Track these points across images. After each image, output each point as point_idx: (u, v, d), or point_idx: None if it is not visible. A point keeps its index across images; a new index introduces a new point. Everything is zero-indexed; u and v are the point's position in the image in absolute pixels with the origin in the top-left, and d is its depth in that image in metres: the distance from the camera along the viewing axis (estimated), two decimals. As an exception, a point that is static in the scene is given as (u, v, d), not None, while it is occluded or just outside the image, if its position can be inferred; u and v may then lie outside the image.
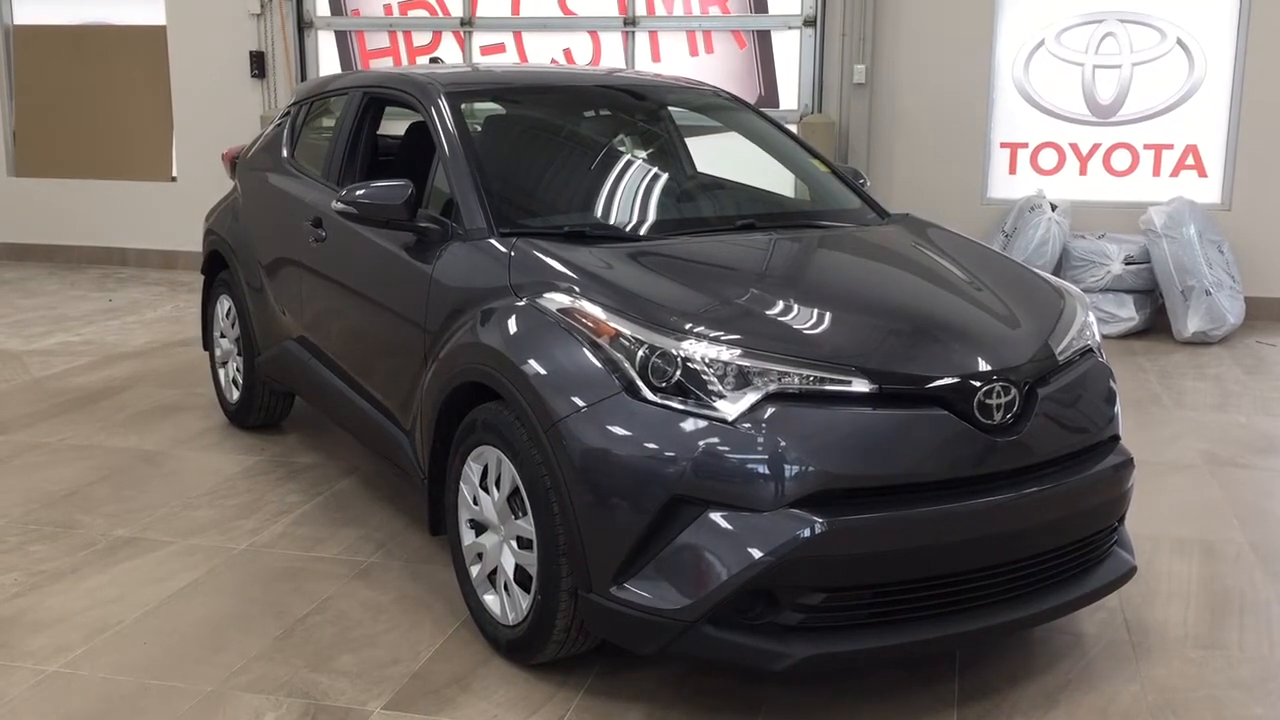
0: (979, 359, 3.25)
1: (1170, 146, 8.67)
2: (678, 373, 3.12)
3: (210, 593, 4.03)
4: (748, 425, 3.04)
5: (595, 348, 3.24)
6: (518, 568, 3.44)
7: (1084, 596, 3.41)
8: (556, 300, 3.44)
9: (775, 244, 4.02)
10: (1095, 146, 8.79)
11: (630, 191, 4.43)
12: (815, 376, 3.11)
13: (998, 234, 8.52)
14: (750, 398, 3.07)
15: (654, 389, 3.12)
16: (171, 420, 5.98)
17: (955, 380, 3.17)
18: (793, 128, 8.66)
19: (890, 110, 8.99)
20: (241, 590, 4.05)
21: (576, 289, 3.44)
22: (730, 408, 3.06)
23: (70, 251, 10.88)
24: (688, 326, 3.21)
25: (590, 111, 5.01)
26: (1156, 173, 8.71)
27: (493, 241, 3.85)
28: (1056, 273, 8.21)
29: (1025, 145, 8.93)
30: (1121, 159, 8.75)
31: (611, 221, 4.21)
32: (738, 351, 3.13)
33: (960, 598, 3.17)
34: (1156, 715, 3.29)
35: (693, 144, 5.26)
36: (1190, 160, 8.64)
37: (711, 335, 3.18)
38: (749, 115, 5.06)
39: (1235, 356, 7.57)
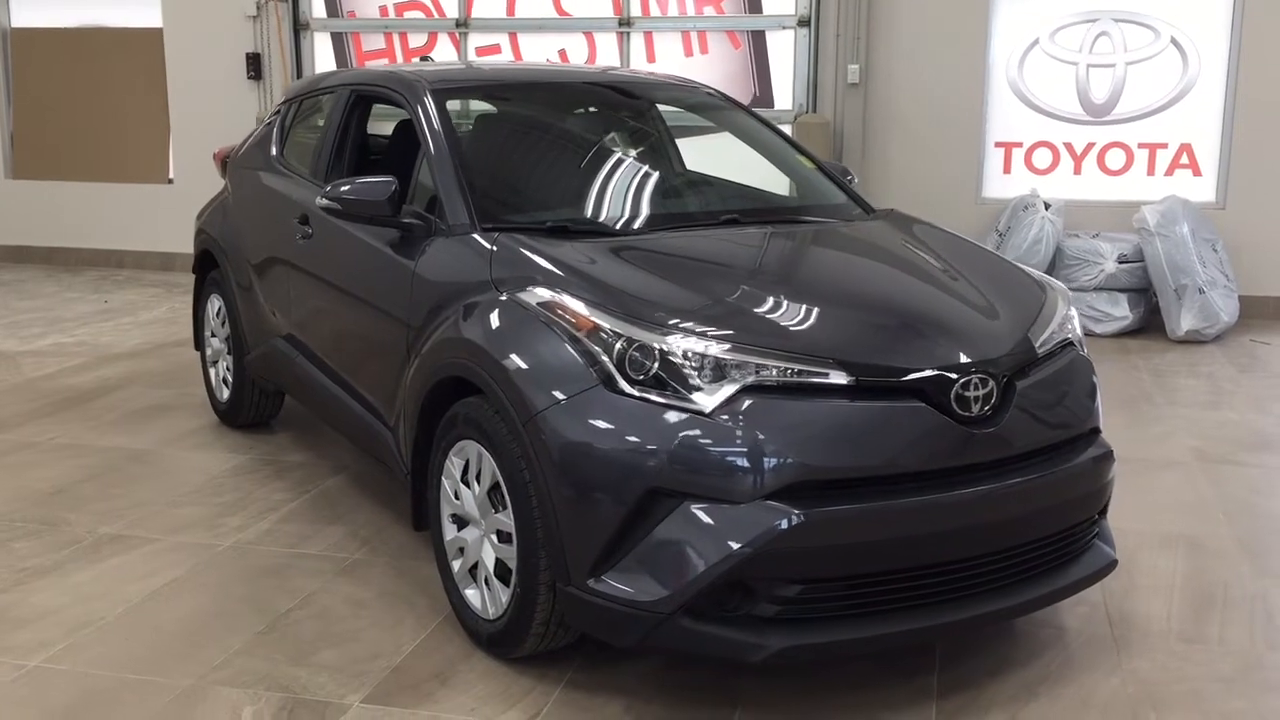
0: (957, 351, 3.24)
1: (1164, 145, 8.67)
2: (655, 365, 3.12)
3: (194, 589, 4.02)
4: (725, 417, 3.04)
5: (574, 341, 3.24)
6: (498, 562, 3.44)
7: (1064, 589, 3.40)
8: (537, 294, 3.44)
9: (757, 239, 4.02)
10: (1089, 146, 8.79)
11: (614, 187, 4.43)
12: (792, 369, 3.11)
13: (992, 233, 8.51)
14: (727, 390, 3.07)
15: (631, 381, 3.12)
16: (162, 420, 5.98)
17: (933, 372, 3.16)
18: (787, 128, 8.73)
19: (885, 110, 8.99)
20: (225, 586, 4.05)
21: (557, 283, 3.44)
22: (707, 400, 3.06)
23: (68, 254, 10.90)
24: (666, 320, 3.21)
25: (576, 108, 5.01)
26: (1151, 172, 8.71)
27: (475, 236, 3.85)
28: (1050, 271, 8.20)
29: (1020, 145, 8.93)
30: (1116, 158, 8.75)
31: (594, 217, 4.21)
32: (715, 344, 3.13)
33: (939, 590, 3.16)
34: (1136, 708, 3.29)
35: (680, 141, 5.26)
36: (1185, 159, 8.64)
37: (689, 328, 3.18)
38: (736, 112, 5.06)
39: (1229, 355, 7.56)
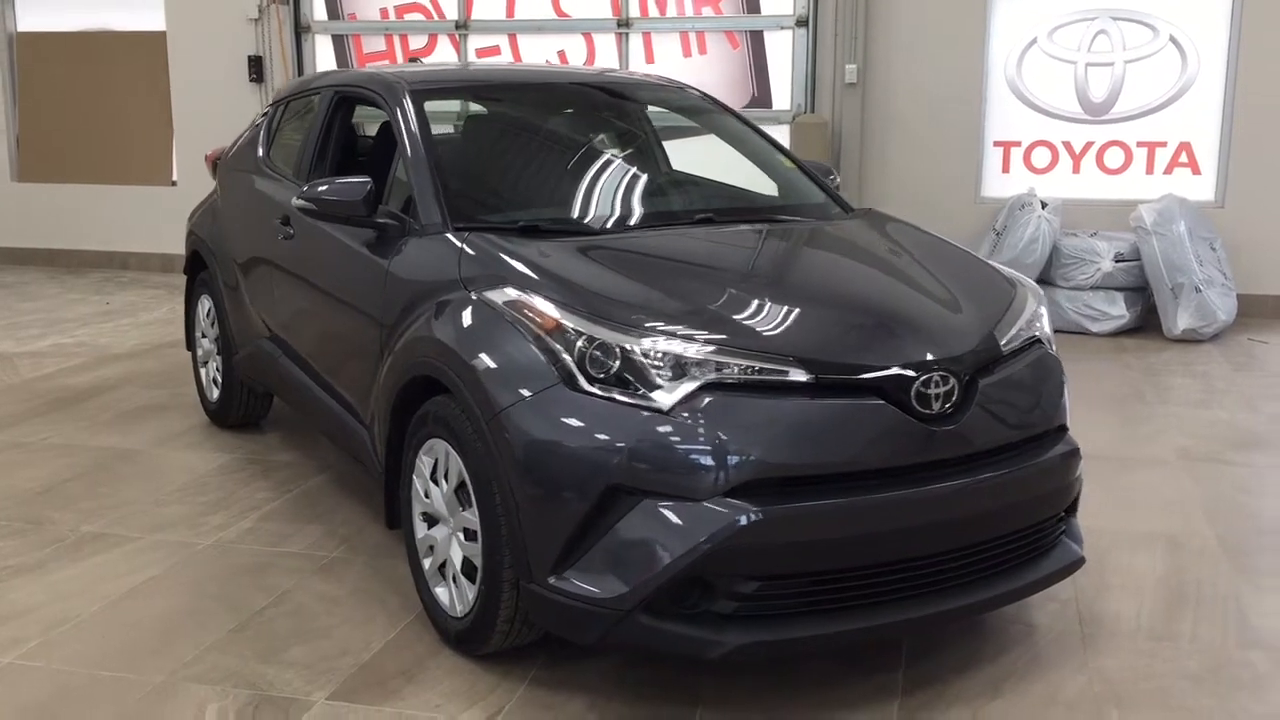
0: (918, 349, 3.24)
1: (1163, 144, 8.63)
2: (616, 364, 3.13)
3: (171, 587, 4.05)
4: (684, 415, 3.05)
5: (538, 340, 3.25)
6: (465, 559, 3.46)
7: (1028, 586, 3.39)
8: (504, 294, 3.45)
9: (729, 238, 4.03)
10: (1088, 144, 8.76)
11: (588, 187, 4.43)
12: (752, 367, 3.12)
13: (989, 232, 8.49)
14: (686, 387, 3.08)
15: (592, 380, 3.13)
16: (155, 420, 6.02)
17: (892, 371, 3.16)
18: (786, 128, 8.73)
19: (883, 109, 8.98)
20: (202, 585, 4.07)
21: (523, 282, 3.45)
22: (666, 397, 3.07)
23: (72, 256, 10.97)
24: (628, 318, 3.22)
25: (556, 109, 5.01)
26: (1150, 170, 8.67)
27: (448, 236, 3.86)
28: (1047, 270, 8.19)
29: (1018, 144, 8.91)
30: (1114, 157, 8.72)
31: (567, 216, 4.22)
32: (675, 342, 3.14)
33: (898, 586, 3.16)
34: (1101, 705, 3.28)
35: (664, 142, 5.25)
36: (1184, 158, 8.60)
37: (651, 326, 3.19)
38: (718, 112, 5.05)
39: (1226, 353, 7.53)
